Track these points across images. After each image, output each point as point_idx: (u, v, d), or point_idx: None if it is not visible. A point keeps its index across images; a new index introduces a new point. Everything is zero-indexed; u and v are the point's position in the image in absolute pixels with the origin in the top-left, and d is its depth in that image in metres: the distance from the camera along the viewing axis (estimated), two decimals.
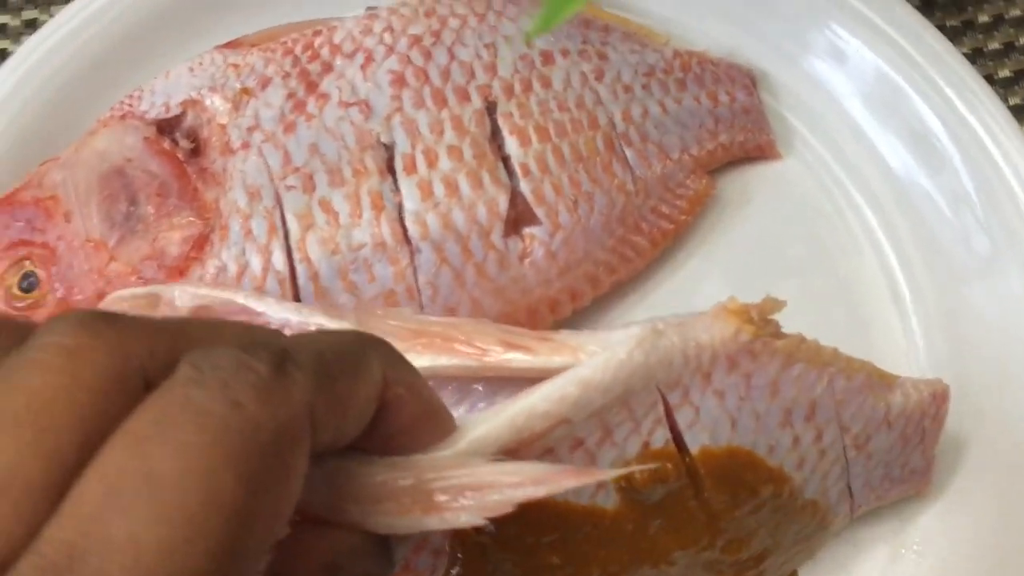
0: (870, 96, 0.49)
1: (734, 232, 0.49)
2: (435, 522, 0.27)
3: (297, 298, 0.42)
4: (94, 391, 0.21)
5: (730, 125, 0.49)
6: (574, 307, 0.46)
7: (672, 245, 0.49)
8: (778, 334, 0.37)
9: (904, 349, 0.46)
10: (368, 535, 0.27)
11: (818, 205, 0.50)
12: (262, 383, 0.21)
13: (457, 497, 0.27)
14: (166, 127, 0.44)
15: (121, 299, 0.38)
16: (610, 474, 0.33)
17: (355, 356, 0.25)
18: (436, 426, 0.28)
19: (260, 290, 0.42)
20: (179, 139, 0.44)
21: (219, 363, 0.21)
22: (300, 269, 0.42)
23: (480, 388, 0.37)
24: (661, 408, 0.35)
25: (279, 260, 0.42)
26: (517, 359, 0.35)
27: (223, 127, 0.44)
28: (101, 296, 0.42)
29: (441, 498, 0.27)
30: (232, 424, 0.20)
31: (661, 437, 0.35)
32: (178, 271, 0.42)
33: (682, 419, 0.36)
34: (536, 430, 0.32)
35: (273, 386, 0.21)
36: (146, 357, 0.22)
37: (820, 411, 0.38)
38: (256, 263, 0.42)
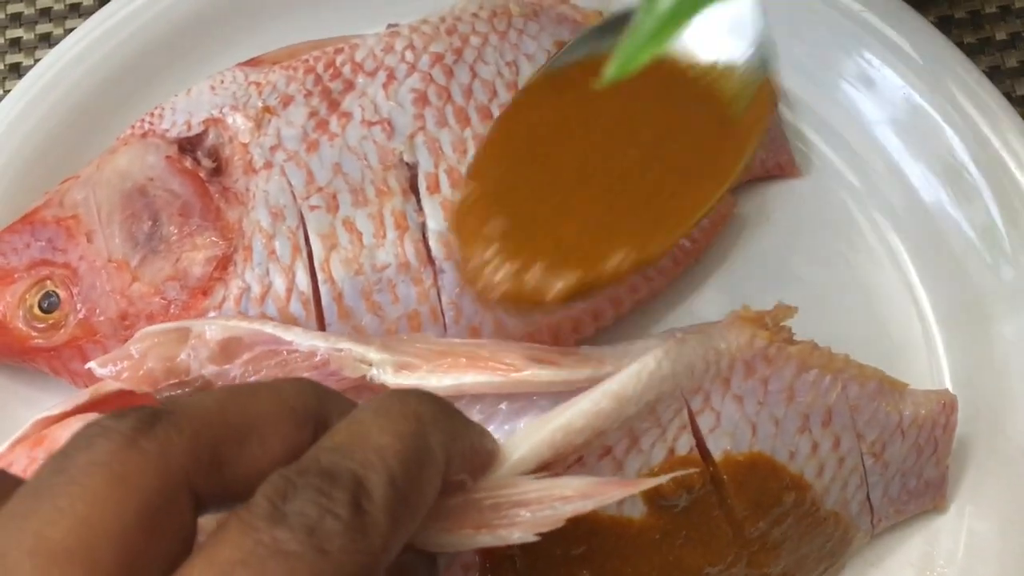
0: (893, 117, 0.48)
1: (753, 250, 0.49)
2: (488, 539, 0.27)
3: (321, 318, 0.42)
4: (143, 518, 0.21)
5: None
6: (596, 327, 0.46)
7: (691, 263, 0.48)
8: (791, 340, 0.39)
9: (927, 370, 0.46)
10: (419, 553, 0.27)
11: (838, 224, 0.49)
12: (345, 530, 0.22)
13: (508, 514, 0.28)
14: (187, 146, 0.44)
15: (152, 334, 0.38)
16: (653, 482, 0.33)
17: (421, 457, 0.25)
18: (485, 464, 0.29)
19: (284, 311, 0.42)
20: (201, 158, 0.44)
21: (302, 508, 0.22)
22: (324, 290, 0.42)
23: (504, 407, 0.37)
24: (686, 414, 0.36)
25: (303, 281, 0.42)
26: (543, 373, 0.36)
27: (245, 146, 0.44)
28: (123, 316, 0.42)
29: (492, 515, 0.27)
30: (320, 571, 0.21)
31: (686, 443, 0.36)
32: (201, 292, 0.42)
33: (704, 424, 0.37)
34: (574, 444, 0.33)
35: (355, 533, 0.22)
36: (191, 466, 0.22)
37: (836, 417, 0.39)
38: (280, 284, 0.42)
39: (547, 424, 0.32)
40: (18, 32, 0.57)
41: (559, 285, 0.33)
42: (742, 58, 0.36)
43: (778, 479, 0.38)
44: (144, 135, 0.45)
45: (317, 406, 0.25)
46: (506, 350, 0.37)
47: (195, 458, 0.22)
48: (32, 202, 0.45)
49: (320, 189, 0.43)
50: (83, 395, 0.38)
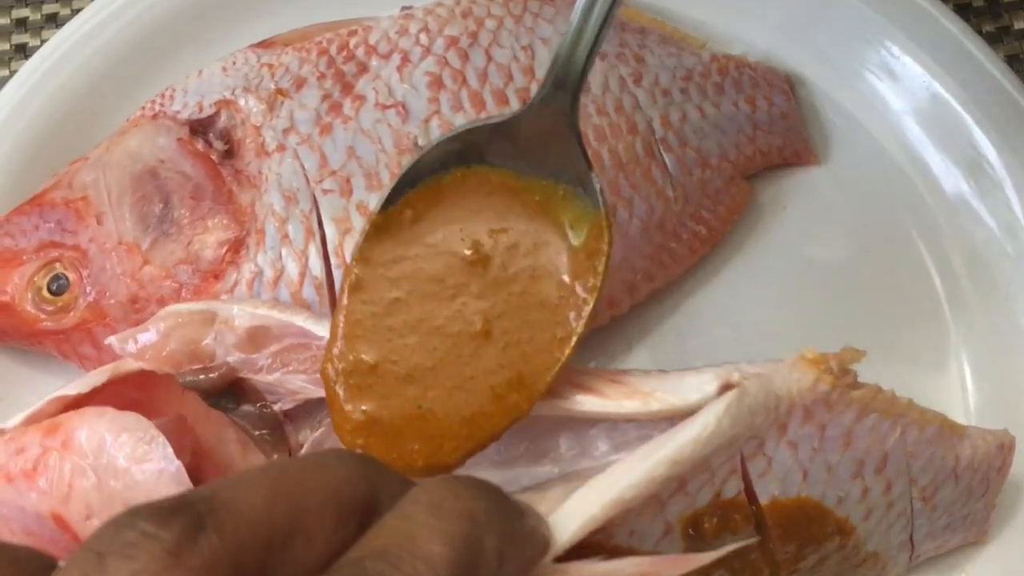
0: (914, 107, 0.48)
1: (770, 237, 0.49)
2: None
3: (334, 304, 0.41)
4: None
5: (768, 130, 0.49)
6: (612, 314, 0.45)
7: (707, 250, 0.48)
8: (855, 384, 0.36)
9: (945, 362, 0.46)
10: None
11: (856, 213, 0.49)
12: None
13: None
14: (199, 128, 0.43)
15: (176, 313, 0.37)
16: (710, 557, 0.31)
17: (473, 566, 0.23)
18: (539, 554, 0.28)
19: (297, 296, 0.41)
20: (213, 140, 0.43)
21: None
22: (337, 275, 0.41)
23: (537, 424, 0.36)
24: (737, 459, 0.35)
25: (316, 265, 0.41)
26: (588, 402, 0.35)
27: (257, 128, 0.43)
28: (134, 300, 0.41)
29: None
30: None
31: (734, 487, 0.35)
32: (213, 275, 0.41)
33: (754, 469, 0.35)
34: (624, 512, 0.32)
35: None
36: None
37: (891, 462, 0.37)
38: (293, 268, 0.41)
39: (599, 499, 0.31)
40: (24, 12, 0.56)
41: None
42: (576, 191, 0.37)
43: (823, 524, 0.36)
44: (155, 116, 0.44)
45: (367, 493, 0.24)
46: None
47: (239, 570, 0.21)
48: (40, 184, 0.44)
49: (334, 173, 0.42)
50: (102, 374, 0.37)
